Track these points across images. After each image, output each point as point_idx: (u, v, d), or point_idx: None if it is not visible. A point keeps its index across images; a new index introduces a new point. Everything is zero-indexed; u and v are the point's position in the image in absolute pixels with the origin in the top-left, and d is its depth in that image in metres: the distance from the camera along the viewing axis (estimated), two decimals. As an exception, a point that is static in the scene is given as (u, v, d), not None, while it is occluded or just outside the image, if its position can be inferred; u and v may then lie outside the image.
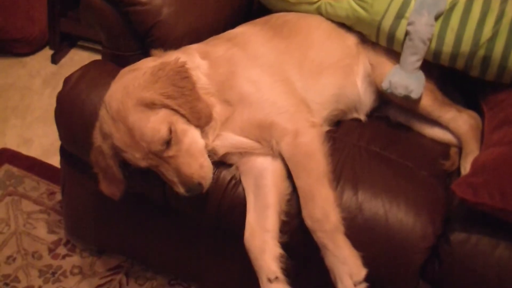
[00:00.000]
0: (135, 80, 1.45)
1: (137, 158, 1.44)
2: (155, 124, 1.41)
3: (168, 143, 1.42)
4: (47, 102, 2.82)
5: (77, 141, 1.67)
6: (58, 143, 2.44)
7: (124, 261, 2.11)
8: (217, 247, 1.79)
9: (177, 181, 1.45)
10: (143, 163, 1.45)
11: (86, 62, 2.90)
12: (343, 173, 1.58)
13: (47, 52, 3.13)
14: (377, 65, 1.77)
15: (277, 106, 1.54)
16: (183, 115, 1.46)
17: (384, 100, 1.83)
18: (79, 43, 3.20)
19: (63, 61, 3.10)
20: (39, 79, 2.96)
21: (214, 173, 1.55)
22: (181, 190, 1.45)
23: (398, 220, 1.51)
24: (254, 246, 1.47)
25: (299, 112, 1.56)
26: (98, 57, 2.97)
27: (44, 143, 2.60)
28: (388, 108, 1.86)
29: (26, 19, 2.98)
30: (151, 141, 1.41)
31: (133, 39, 1.74)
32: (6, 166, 2.44)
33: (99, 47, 3.04)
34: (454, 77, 1.82)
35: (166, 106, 1.43)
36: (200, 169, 1.45)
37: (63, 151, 1.87)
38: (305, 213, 1.45)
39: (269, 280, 1.44)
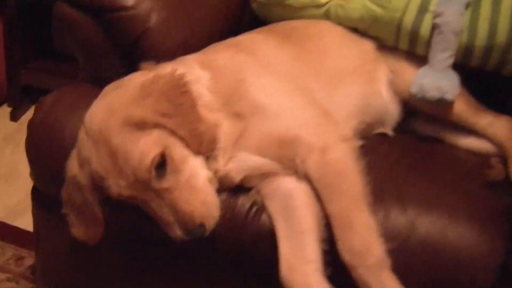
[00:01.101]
0: (122, 97, 1.20)
1: (121, 186, 1.16)
2: (145, 146, 1.14)
3: (161, 171, 1.15)
4: (9, 160, 2.51)
5: (55, 176, 1.34)
6: (24, 203, 2.20)
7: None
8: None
9: (173, 221, 1.16)
10: (127, 193, 1.16)
11: (51, 117, 2.75)
12: (384, 191, 1.31)
13: (5, 110, 2.83)
14: (399, 71, 1.56)
15: (299, 118, 1.30)
16: (181, 139, 1.19)
17: (410, 111, 1.61)
18: (41, 98, 2.90)
19: (24, 118, 2.80)
20: (-1, 138, 2.65)
21: (229, 201, 1.27)
22: (178, 233, 1.16)
23: (459, 236, 1.25)
24: (296, 283, 1.18)
25: (325, 124, 1.32)
26: (63, 111, 2.80)
27: (8, 203, 2.26)
28: (414, 121, 1.64)
29: (-18, 69, 2.69)
30: (137, 166, 1.13)
31: (117, 55, 1.48)
32: (-38, 234, 2.08)
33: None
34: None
35: (160, 126, 1.16)
36: (202, 206, 1.18)
37: (36, 195, 1.55)
38: (341, 246, 1.18)
39: None
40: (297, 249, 1.20)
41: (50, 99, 1.45)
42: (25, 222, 2.13)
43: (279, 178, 1.28)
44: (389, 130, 1.59)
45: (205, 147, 1.21)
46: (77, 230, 1.30)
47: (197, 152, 1.21)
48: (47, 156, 1.39)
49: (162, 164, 1.15)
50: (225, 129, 1.27)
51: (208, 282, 1.46)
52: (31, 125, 1.43)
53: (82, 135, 1.22)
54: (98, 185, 1.20)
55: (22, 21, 2.68)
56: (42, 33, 2.77)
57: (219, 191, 1.29)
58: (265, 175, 1.29)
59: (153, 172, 1.14)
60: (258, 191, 1.30)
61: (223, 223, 1.27)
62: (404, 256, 1.22)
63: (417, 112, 1.61)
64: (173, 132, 1.17)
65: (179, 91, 1.21)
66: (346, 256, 1.17)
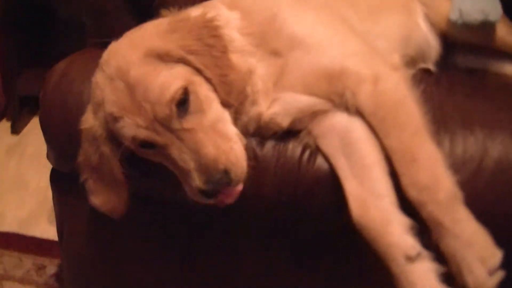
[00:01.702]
0: (145, 32, 1.07)
1: (138, 126, 1.00)
2: (167, 78, 1.00)
3: (183, 110, 1.00)
4: (14, 172, 2.36)
5: (75, 148, 1.17)
6: (36, 212, 2.06)
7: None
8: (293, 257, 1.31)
9: (193, 168, 0.99)
10: (143, 134, 1.00)
11: (53, 126, 2.60)
12: (446, 118, 1.18)
13: (5, 124, 2.68)
14: (434, 2, 1.43)
15: (344, 48, 1.16)
16: (208, 81, 1.05)
17: (449, 47, 1.48)
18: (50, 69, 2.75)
19: (26, 129, 2.66)
20: (1, 151, 2.50)
21: (279, 148, 1.14)
22: (197, 181, 0.99)
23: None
24: (372, 219, 1.03)
25: (372, 54, 1.18)
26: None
27: (19, 215, 2.10)
28: (455, 56, 1.51)
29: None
30: (157, 100, 0.98)
31: (130, 13, 1.34)
32: (-24, 248, 1.91)
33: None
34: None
35: (186, 62, 1.03)
36: (230, 152, 1.01)
37: (55, 181, 1.39)
38: (406, 182, 1.04)
39: (409, 259, 0.99)
40: (366, 185, 1.06)
41: (61, 65, 1.31)
42: (39, 231, 2.00)
43: (330, 115, 1.14)
44: (431, 65, 1.45)
45: (233, 97, 1.07)
46: (97, 198, 1.14)
47: (224, 101, 1.07)
48: (64, 127, 1.24)
49: (184, 101, 1.00)
50: (262, 71, 1.14)
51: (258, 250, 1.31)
52: (43, 96, 1.28)
53: (97, 77, 1.07)
54: (113, 134, 1.05)
55: (14, 29, 2.53)
56: (35, 40, 2.67)
57: (265, 138, 1.16)
58: (315, 115, 1.14)
59: (174, 109, 0.99)
60: (309, 132, 1.15)
61: (275, 173, 1.14)
62: (477, 186, 1.09)
63: (457, 46, 1.48)
64: (199, 72, 1.04)
65: (210, 34, 1.08)
66: (413, 192, 1.03)
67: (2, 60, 2.56)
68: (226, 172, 0.99)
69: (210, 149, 0.99)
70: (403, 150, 1.06)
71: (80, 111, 1.18)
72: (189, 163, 0.99)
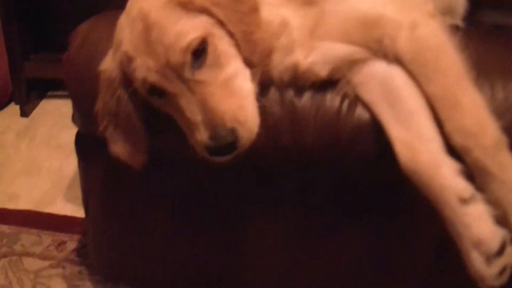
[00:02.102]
0: None
1: (149, 68, 0.98)
2: (186, 26, 0.98)
3: (197, 61, 0.98)
4: (26, 153, 2.31)
5: None
6: (51, 192, 2.03)
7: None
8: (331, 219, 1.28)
9: (200, 121, 0.97)
10: (154, 77, 0.98)
11: (63, 110, 2.57)
12: (485, 65, 1.14)
13: (14, 108, 2.64)
14: None
15: None
16: (231, 36, 1.02)
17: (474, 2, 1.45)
18: (49, 93, 2.73)
19: (35, 112, 2.61)
20: (11, 134, 2.45)
21: (317, 99, 1.11)
22: (203, 135, 0.97)
23: None
24: (423, 162, 1.00)
25: (409, 1, 1.15)
26: (73, 104, 2.62)
27: (34, 195, 2.06)
28: (481, 13, 1.48)
29: (-17, 64, 2.50)
30: (172, 45, 0.96)
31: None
32: (-8, 227, 1.87)
33: (73, 93, 2.63)
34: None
35: (209, 14, 1.00)
36: (239, 110, 0.98)
37: (80, 146, 1.36)
38: (451, 128, 1.01)
39: (463, 201, 0.97)
40: (413, 129, 1.03)
41: (84, 26, 1.27)
42: (56, 210, 1.96)
43: (369, 64, 1.11)
44: (458, 20, 1.42)
45: (257, 57, 1.04)
46: (116, 146, 1.11)
47: (246, 59, 1.04)
48: (91, 86, 1.19)
49: (201, 52, 0.98)
50: (297, 21, 1.11)
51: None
52: (67, 58, 1.25)
53: (120, 20, 1.07)
54: (127, 76, 1.03)
55: (20, 13, 2.49)
56: (41, 25, 2.63)
57: (302, 88, 1.13)
58: (353, 64, 1.11)
59: (189, 57, 0.97)
60: (348, 82, 1.12)
61: (314, 123, 1.11)
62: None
63: (483, 3, 1.45)
64: (223, 25, 1.01)
65: None
66: (458, 138, 1.01)
67: (8, 45, 2.51)
68: (232, 130, 0.96)
69: (218, 104, 0.97)
70: (446, 96, 1.04)
71: None
72: (197, 115, 0.98)
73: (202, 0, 0.99)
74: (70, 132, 2.35)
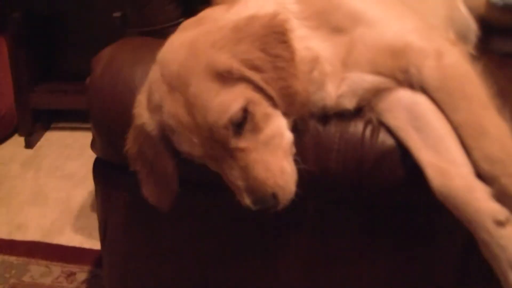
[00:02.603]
0: (208, 36, 1.03)
1: (194, 143, 1.01)
2: (226, 99, 0.98)
3: (239, 129, 1.00)
4: (32, 184, 2.30)
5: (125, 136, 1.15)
6: (59, 222, 2.02)
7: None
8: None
9: (243, 187, 1.01)
10: (199, 151, 1.02)
11: (67, 141, 2.58)
12: (503, 94, 1.16)
13: (18, 139, 2.63)
14: None
15: (405, 23, 1.16)
16: (268, 96, 1.03)
17: (485, 30, 1.49)
18: (53, 125, 2.73)
19: (39, 144, 2.61)
20: (16, 165, 2.44)
21: (340, 126, 1.12)
22: (246, 200, 1.01)
23: None
24: (456, 187, 0.99)
25: (431, 29, 1.18)
26: (78, 135, 2.62)
27: (42, 224, 2.04)
28: (490, 40, 1.51)
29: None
30: (215, 122, 0.98)
31: (173, 1, 1.33)
32: (0, 257, 1.84)
33: (77, 125, 2.66)
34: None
35: (247, 80, 1.00)
36: (280, 175, 1.01)
37: (99, 169, 1.35)
38: (477, 156, 1.02)
39: (499, 223, 0.96)
40: (443, 154, 1.03)
41: (107, 51, 1.28)
42: (64, 240, 1.94)
43: (394, 91, 1.12)
44: (471, 48, 1.45)
45: (295, 108, 1.06)
46: (147, 189, 1.14)
47: (285, 112, 1.05)
48: (114, 113, 1.21)
49: (242, 121, 1.00)
50: (328, 52, 1.12)
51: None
52: (90, 84, 1.25)
53: (155, 74, 1.06)
54: (167, 135, 1.05)
55: (26, 42, 2.51)
56: (46, 54, 2.65)
57: (328, 115, 1.14)
58: (378, 92, 1.13)
59: (231, 129, 0.99)
60: (371, 108, 1.14)
61: (338, 149, 1.12)
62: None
63: (493, 31, 1.48)
64: (260, 88, 1.02)
65: (278, 40, 1.03)
66: (485, 166, 1.01)
67: (15, 76, 2.52)
68: (274, 195, 1.00)
69: (259, 172, 1.00)
70: (473, 124, 1.05)
71: (131, 96, 1.16)
72: (240, 181, 1.01)
73: (239, 67, 0.99)
74: (75, 163, 2.40)
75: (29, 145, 2.55)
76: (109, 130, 1.23)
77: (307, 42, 1.12)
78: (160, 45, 1.11)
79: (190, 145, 1.02)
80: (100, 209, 1.40)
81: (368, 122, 1.14)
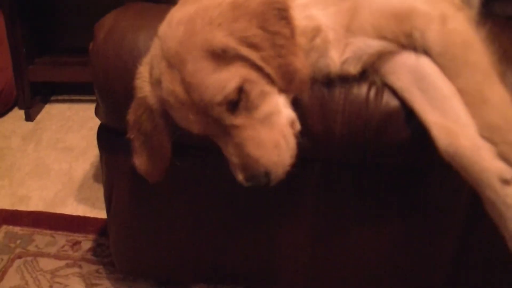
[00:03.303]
0: (206, 12, 1.01)
1: (191, 120, 1.03)
2: (221, 78, 0.99)
3: (235, 106, 1.00)
4: (34, 156, 2.30)
5: (130, 101, 1.15)
6: (61, 193, 2.03)
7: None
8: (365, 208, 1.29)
9: (237, 164, 1.03)
10: (196, 128, 1.05)
11: (67, 114, 2.57)
12: (508, 61, 1.16)
13: (18, 112, 2.63)
14: None
15: None
16: (266, 74, 1.02)
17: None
18: (52, 98, 2.73)
19: (39, 117, 2.60)
20: (17, 138, 2.44)
21: (344, 89, 1.12)
22: (239, 176, 1.04)
23: None
24: (463, 146, 1.00)
25: None
26: (78, 107, 2.62)
27: (45, 196, 2.04)
28: (493, 3, 1.50)
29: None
30: (210, 100, 0.99)
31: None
32: (4, 228, 1.86)
33: (76, 97, 2.65)
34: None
35: (244, 58, 1.00)
36: (274, 150, 1.02)
37: (103, 135, 1.36)
38: (477, 123, 1.03)
39: (505, 182, 0.97)
40: (449, 114, 1.04)
41: (109, 18, 1.27)
42: (67, 211, 1.94)
43: (398, 54, 1.12)
44: (475, 13, 1.45)
45: (295, 86, 1.05)
46: (139, 159, 1.16)
47: (283, 89, 1.05)
48: (119, 78, 1.20)
49: (237, 99, 1.01)
50: (330, 20, 1.11)
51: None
52: (93, 49, 1.24)
53: (156, 48, 1.06)
54: (168, 113, 1.07)
55: (24, 15, 2.49)
56: (44, 27, 2.63)
57: (333, 81, 1.14)
58: (382, 56, 1.13)
59: (226, 107, 1.00)
60: (375, 71, 1.14)
61: (343, 111, 1.13)
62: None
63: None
64: (257, 66, 1.01)
65: (278, 16, 1.02)
66: (485, 133, 1.02)
67: (12, 49, 2.50)
68: (266, 173, 1.02)
69: (252, 149, 1.01)
70: (474, 91, 1.05)
71: (135, 62, 1.17)
72: (234, 158, 1.03)
73: (237, 46, 0.98)
74: (76, 136, 2.40)
75: (29, 118, 2.55)
76: (112, 96, 1.23)
77: (308, 10, 1.11)
78: (162, 10, 1.11)
79: (188, 122, 1.04)
80: (105, 176, 1.40)
81: (372, 84, 1.14)
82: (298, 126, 1.08)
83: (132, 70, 1.16)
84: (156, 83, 1.05)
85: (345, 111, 1.13)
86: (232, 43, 0.98)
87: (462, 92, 1.06)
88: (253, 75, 1.01)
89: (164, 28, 1.06)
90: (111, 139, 1.34)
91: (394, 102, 1.12)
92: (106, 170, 1.39)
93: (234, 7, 1.01)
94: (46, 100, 2.70)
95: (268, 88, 1.03)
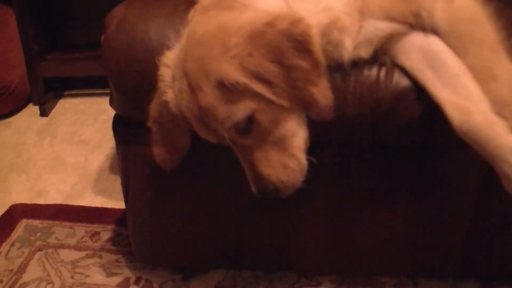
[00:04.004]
0: (225, 36, 1.01)
1: (207, 134, 1.11)
2: (231, 108, 1.03)
3: (246, 131, 1.05)
4: (50, 151, 2.33)
5: (144, 90, 1.18)
6: (79, 186, 2.05)
7: (225, 276, 1.56)
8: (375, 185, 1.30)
9: (249, 176, 1.09)
10: (212, 140, 1.12)
11: (81, 108, 2.60)
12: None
13: (32, 108, 2.67)
14: None
15: None
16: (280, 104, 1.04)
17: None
18: (66, 93, 2.75)
19: (54, 112, 2.64)
20: (32, 133, 2.47)
21: (355, 73, 1.12)
22: (252, 187, 1.11)
23: None
24: (477, 123, 1.00)
25: None
26: (92, 101, 2.65)
27: (62, 189, 2.07)
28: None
29: (1, 64, 2.51)
30: (221, 125, 1.05)
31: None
32: (24, 222, 1.89)
33: (89, 91, 2.67)
34: None
35: (255, 92, 1.01)
36: (283, 170, 1.07)
37: (118, 126, 1.37)
38: (489, 99, 1.03)
39: None
40: (461, 92, 1.04)
41: (119, 9, 1.29)
42: (85, 203, 1.97)
43: (406, 34, 1.12)
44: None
45: (314, 114, 1.07)
46: (159, 151, 1.21)
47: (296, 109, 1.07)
48: (131, 68, 1.22)
49: (248, 126, 1.04)
50: (346, 5, 1.10)
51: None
52: (105, 41, 1.25)
53: (178, 61, 1.09)
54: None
55: (34, 12, 2.51)
56: (55, 23, 2.65)
57: (342, 67, 1.14)
58: (391, 37, 1.13)
59: (236, 131, 1.05)
60: (385, 52, 1.14)
61: (354, 92, 1.13)
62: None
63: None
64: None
65: (297, 49, 1.01)
66: (495, 109, 1.02)
67: (24, 46, 2.53)
68: (275, 189, 1.08)
69: (262, 168, 1.07)
70: (482, 67, 1.05)
71: (146, 52, 1.20)
72: (247, 171, 1.09)
73: (246, 82, 0.99)
74: (90, 129, 2.42)
75: (43, 113, 2.58)
76: (126, 86, 1.25)
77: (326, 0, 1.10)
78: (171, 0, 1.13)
79: (205, 134, 1.10)
80: (121, 166, 1.42)
81: (382, 65, 1.14)
82: (308, 143, 1.10)
83: (144, 59, 1.19)
84: (178, 93, 1.09)
85: (355, 92, 1.13)
86: (243, 79, 0.99)
87: (471, 69, 1.06)
88: (264, 105, 1.03)
89: (186, 41, 1.09)
90: (126, 129, 1.35)
91: (405, 82, 1.12)
92: (122, 160, 1.41)
93: (252, 36, 1.00)
94: (59, 95, 2.73)
95: (282, 115, 1.05)
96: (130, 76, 1.23)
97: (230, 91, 1.01)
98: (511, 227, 1.28)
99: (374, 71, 1.14)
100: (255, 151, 1.07)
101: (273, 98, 1.01)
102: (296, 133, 1.08)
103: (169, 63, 1.13)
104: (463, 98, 1.03)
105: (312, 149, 1.11)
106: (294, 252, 1.44)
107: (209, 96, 1.02)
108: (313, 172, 1.09)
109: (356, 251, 1.41)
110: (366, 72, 1.14)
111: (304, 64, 1.01)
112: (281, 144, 1.07)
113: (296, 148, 1.08)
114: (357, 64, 1.14)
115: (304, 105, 1.05)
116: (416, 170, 1.26)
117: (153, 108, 1.17)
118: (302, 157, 1.09)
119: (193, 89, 1.04)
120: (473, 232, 1.33)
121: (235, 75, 0.99)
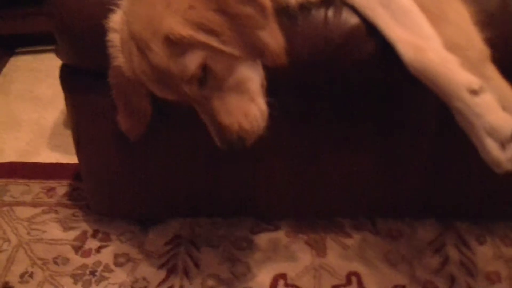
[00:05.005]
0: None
1: (164, 92, 1.09)
2: (183, 61, 1.01)
3: (203, 81, 1.03)
4: (3, 108, 2.26)
5: (92, 39, 1.15)
6: (34, 143, 2.00)
7: (183, 225, 1.56)
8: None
9: (212, 129, 1.06)
10: (171, 98, 1.09)
11: (34, 65, 2.51)
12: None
13: (-18, 67, 2.56)
14: None
15: None
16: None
17: None
18: (18, 50, 2.66)
19: (6, 70, 2.54)
20: (-17, 92, 2.38)
21: (302, 16, 1.11)
22: (217, 142, 1.08)
23: None
24: (430, 59, 1.00)
25: None
26: (43, 58, 2.55)
27: (17, 147, 2.02)
28: None
29: None
30: (177, 80, 1.02)
31: None
32: (-22, 181, 1.84)
33: (41, 48, 2.58)
34: None
35: (202, 45, 0.99)
36: (245, 118, 1.05)
37: (66, 76, 1.33)
38: (441, 40, 1.03)
39: (473, 92, 0.98)
40: (413, 29, 1.04)
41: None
42: (41, 160, 1.93)
43: None
44: None
45: (267, 59, 1.05)
46: (123, 119, 1.20)
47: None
48: (80, 16, 1.18)
49: (204, 75, 1.03)
50: None
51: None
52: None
53: (124, 26, 1.08)
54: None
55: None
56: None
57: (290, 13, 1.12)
58: None
59: (194, 83, 1.03)
60: (328, -8, 1.13)
61: (302, 32, 1.12)
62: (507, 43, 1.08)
63: None
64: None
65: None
66: (447, 50, 1.02)
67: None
68: (239, 139, 1.06)
69: (223, 118, 1.04)
70: (434, 8, 1.05)
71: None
72: (209, 124, 1.08)
73: (191, 35, 0.98)
74: (44, 85, 2.35)
75: (-5, 71, 2.50)
76: (74, 34, 1.21)
77: None
78: None
79: (162, 93, 1.08)
80: (71, 117, 1.39)
81: (330, 4, 1.13)
82: (264, 83, 1.09)
83: (93, 7, 1.16)
84: (128, 57, 1.07)
85: (304, 32, 1.12)
86: (188, 31, 0.98)
87: (422, 8, 1.05)
88: (216, 53, 1.01)
89: (128, 3, 1.07)
90: (74, 78, 1.31)
91: (354, 19, 1.12)
92: (71, 111, 1.37)
93: None
94: (11, 53, 2.64)
95: (233, 62, 1.04)
96: (78, 24, 1.19)
97: (179, 46, 0.99)
98: (468, 164, 1.30)
99: (322, 10, 1.13)
100: (214, 100, 1.05)
101: (221, 47, 1.00)
102: (251, 77, 1.06)
103: (116, 27, 1.11)
104: (415, 35, 1.03)
105: (271, 94, 1.11)
106: (252, 197, 1.45)
107: (159, 55, 1.00)
108: (274, 116, 1.08)
109: (315, 194, 1.43)
110: (314, 12, 1.13)
111: (248, 10, 1.00)
112: (238, 89, 1.05)
113: (254, 92, 1.07)
114: (305, 6, 1.13)
115: (256, 52, 1.03)
116: (374, 111, 1.27)
117: (111, 77, 1.15)
118: (261, 102, 1.08)
119: (142, 50, 1.02)
120: (432, 171, 1.36)
121: (180, 29, 0.98)
